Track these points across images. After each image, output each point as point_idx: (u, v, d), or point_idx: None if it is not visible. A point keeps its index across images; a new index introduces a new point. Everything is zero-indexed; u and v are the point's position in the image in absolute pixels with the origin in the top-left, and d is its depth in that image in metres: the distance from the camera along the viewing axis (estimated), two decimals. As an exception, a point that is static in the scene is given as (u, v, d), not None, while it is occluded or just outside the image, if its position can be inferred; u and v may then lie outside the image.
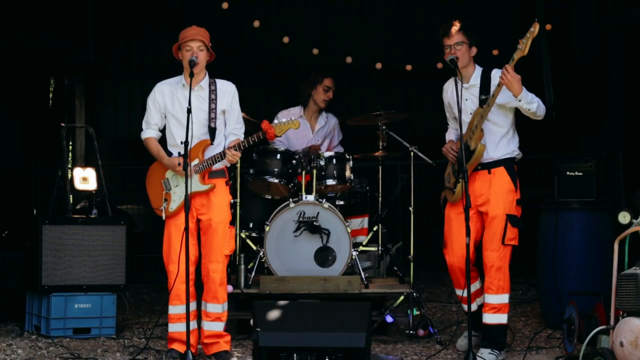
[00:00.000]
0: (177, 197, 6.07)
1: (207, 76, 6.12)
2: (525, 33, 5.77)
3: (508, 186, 6.09)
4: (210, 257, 6.08)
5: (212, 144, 6.07)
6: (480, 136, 6.01)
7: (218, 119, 6.10)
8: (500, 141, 6.09)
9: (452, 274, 6.29)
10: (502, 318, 6.12)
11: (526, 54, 5.81)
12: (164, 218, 6.09)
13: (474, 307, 6.18)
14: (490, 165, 6.08)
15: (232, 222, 6.73)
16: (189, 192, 5.81)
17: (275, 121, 6.18)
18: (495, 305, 6.10)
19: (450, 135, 6.39)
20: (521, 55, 5.82)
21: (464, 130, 6.05)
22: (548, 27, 9.94)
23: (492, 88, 6.00)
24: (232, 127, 6.17)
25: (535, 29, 5.77)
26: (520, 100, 5.92)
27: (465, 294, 6.13)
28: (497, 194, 6.05)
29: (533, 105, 5.95)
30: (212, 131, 6.07)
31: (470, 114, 6.06)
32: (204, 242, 6.10)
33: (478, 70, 6.13)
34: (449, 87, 6.27)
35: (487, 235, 6.06)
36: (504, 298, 6.11)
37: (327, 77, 7.74)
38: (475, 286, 6.23)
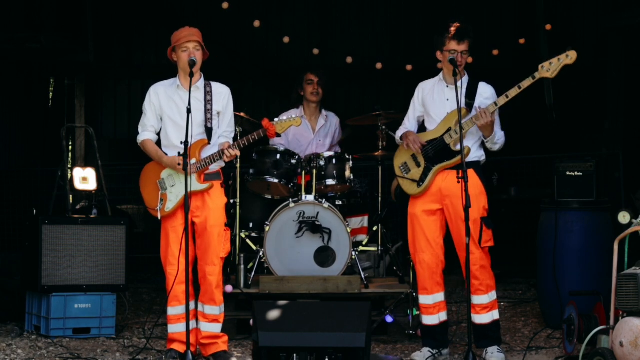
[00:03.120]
0: (173, 197, 6.06)
1: (202, 77, 6.12)
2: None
3: (479, 189, 6.08)
4: (206, 259, 6.08)
5: (209, 143, 6.07)
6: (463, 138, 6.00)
7: (214, 119, 6.10)
8: (473, 145, 6.11)
9: (422, 275, 6.17)
10: (495, 314, 6.14)
11: (552, 78, 5.84)
12: (159, 218, 6.09)
13: (434, 320, 6.19)
14: (459, 167, 6.01)
15: (232, 222, 6.73)
16: (188, 190, 5.81)
17: (276, 119, 6.17)
18: (487, 305, 6.10)
19: (403, 131, 6.34)
20: (546, 77, 5.85)
21: (441, 128, 6.09)
22: (548, 27, 9.95)
23: (477, 98, 6.03)
24: (224, 129, 6.17)
25: (573, 57, 5.79)
26: (487, 142, 6.06)
27: (434, 301, 6.17)
28: (470, 197, 5.97)
29: (496, 146, 6.10)
30: (208, 131, 6.07)
31: (447, 113, 6.08)
32: (199, 245, 6.09)
33: (466, 76, 6.16)
34: (427, 86, 6.27)
35: (464, 239, 6.01)
36: (493, 295, 6.12)
37: (307, 72, 7.77)
38: (441, 297, 6.21)
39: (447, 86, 6.08)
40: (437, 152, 6.08)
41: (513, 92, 5.88)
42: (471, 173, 6.04)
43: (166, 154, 6.09)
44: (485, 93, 6.10)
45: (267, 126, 6.08)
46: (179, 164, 5.93)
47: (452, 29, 6.05)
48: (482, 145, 6.19)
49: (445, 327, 6.25)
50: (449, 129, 6.04)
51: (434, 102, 6.17)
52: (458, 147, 5.94)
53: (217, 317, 6.12)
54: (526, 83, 5.86)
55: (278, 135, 7.51)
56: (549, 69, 5.83)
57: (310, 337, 5.29)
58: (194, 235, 6.11)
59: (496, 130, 6.08)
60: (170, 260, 6.02)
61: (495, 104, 5.91)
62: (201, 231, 6.07)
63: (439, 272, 6.17)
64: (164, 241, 6.11)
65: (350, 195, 7.56)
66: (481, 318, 6.10)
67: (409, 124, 6.37)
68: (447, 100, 6.08)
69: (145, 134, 6.16)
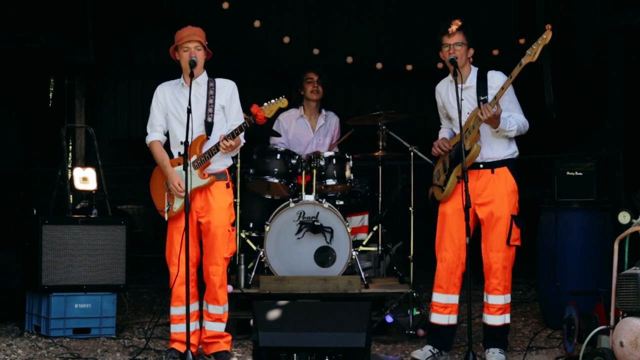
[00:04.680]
0: (179, 198, 6.05)
1: (204, 73, 6.12)
2: (535, 39, 5.79)
3: (512, 187, 6.10)
4: (210, 259, 6.09)
5: (208, 138, 6.07)
6: (477, 138, 6.02)
7: (216, 114, 6.09)
8: (502, 142, 6.10)
9: (440, 273, 6.19)
10: (507, 318, 6.15)
11: (535, 60, 5.83)
12: (166, 219, 6.09)
13: (443, 320, 6.19)
14: (493, 165, 6.07)
15: (233, 223, 6.73)
16: (189, 189, 5.83)
17: (265, 103, 6.13)
18: (502, 306, 6.10)
19: (444, 133, 6.38)
20: (530, 61, 5.84)
21: (465, 131, 6.08)
22: (548, 27, 9.94)
23: (489, 90, 6.02)
24: (232, 122, 6.16)
25: (547, 36, 5.79)
26: (497, 132, 6.03)
27: (447, 301, 6.18)
28: (501, 195, 6.04)
29: (511, 133, 6.07)
30: (208, 126, 6.06)
31: (468, 114, 6.06)
32: (204, 245, 6.11)
33: (474, 71, 6.15)
34: (442, 88, 6.27)
35: (492, 236, 6.05)
36: (508, 298, 6.13)
37: (307, 71, 7.78)
38: (455, 299, 6.21)
39: (458, 85, 6.05)
40: (457, 154, 6.08)
41: (507, 83, 5.90)
42: (504, 171, 6.08)
43: (173, 154, 6.12)
44: (494, 83, 6.05)
45: (255, 112, 6.05)
46: (178, 182, 5.94)
47: (443, 25, 6.08)
48: (514, 140, 6.17)
49: (452, 330, 6.24)
50: (467, 130, 6.04)
51: (451, 104, 6.15)
52: (472, 147, 5.97)
53: (220, 317, 6.14)
54: (516, 71, 5.85)
55: (275, 134, 7.55)
56: (531, 52, 5.85)
57: (310, 337, 5.28)
58: (199, 236, 6.12)
59: (512, 120, 6.02)
60: (173, 261, 6.03)
61: (495, 97, 5.92)
62: (206, 231, 6.08)
63: (457, 274, 6.16)
64: (168, 242, 6.12)
65: (350, 196, 7.56)
66: (493, 319, 6.10)
67: (444, 123, 6.42)
68: (462, 100, 6.04)
69: (154, 134, 6.17)
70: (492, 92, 6.02)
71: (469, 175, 5.99)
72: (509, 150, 6.14)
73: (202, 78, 6.10)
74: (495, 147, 6.08)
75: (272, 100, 6.13)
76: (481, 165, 6.07)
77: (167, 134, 6.20)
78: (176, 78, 6.17)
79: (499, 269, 6.05)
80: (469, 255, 5.87)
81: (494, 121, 5.94)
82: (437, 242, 6.23)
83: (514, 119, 6.06)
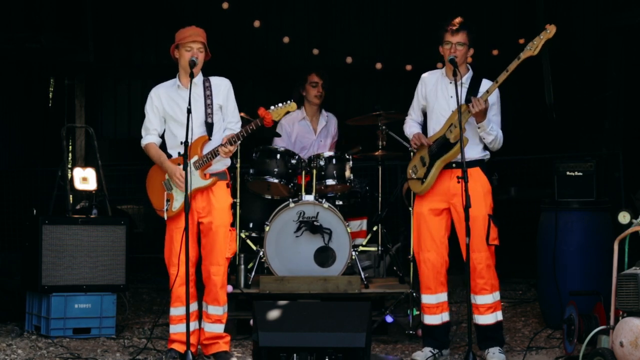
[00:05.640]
0: (179, 197, 6.04)
1: (200, 74, 6.11)
2: (537, 33, 5.79)
3: (486, 187, 6.12)
4: (211, 259, 6.07)
5: (210, 139, 6.07)
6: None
7: (215, 114, 6.09)
8: (478, 143, 6.13)
9: (426, 275, 6.17)
10: (499, 315, 6.14)
11: (535, 55, 5.83)
12: (165, 218, 6.08)
13: (436, 320, 6.19)
14: (466, 165, 6.04)
15: (232, 223, 6.74)
16: (190, 189, 5.82)
17: (272, 107, 6.13)
18: (492, 305, 6.10)
19: (415, 127, 6.36)
20: (530, 55, 5.84)
21: (445, 127, 6.10)
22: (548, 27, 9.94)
23: (479, 95, 6.03)
24: (228, 121, 6.16)
25: (551, 31, 5.80)
26: (479, 128, 6.04)
27: (437, 300, 6.17)
28: (477, 195, 6.00)
29: (489, 137, 6.08)
30: (209, 126, 6.06)
31: (452, 111, 6.07)
32: (204, 245, 6.10)
33: (470, 72, 6.17)
34: (430, 80, 6.27)
35: (472, 237, 5.97)
36: (497, 296, 6.13)
37: (311, 73, 7.74)
38: (444, 297, 6.21)
39: (450, 82, 6.06)
40: (439, 148, 6.10)
41: (502, 77, 5.91)
42: (477, 171, 6.08)
43: (171, 156, 6.09)
44: (486, 90, 6.08)
45: (263, 114, 6.05)
46: (179, 174, 5.92)
47: (447, 22, 6.09)
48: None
49: (447, 327, 6.25)
50: (451, 125, 6.06)
51: (437, 98, 6.17)
52: (458, 140, 5.97)
53: (220, 318, 6.13)
54: (512, 65, 5.86)
55: (275, 134, 7.56)
56: (532, 47, 5.85)
57: (310, 337, 5.29)
58: (198, 236, 6.11)
59: (493, 126, 6.07)
60: (173, 261, 6.02)
61: (487, 91, 5.94)
62: (206, 231, 6.07)
63: (443, 272, 6.18)
64: (168, 242, 6.11)
65: (350, 196, 7.56)
66: (485, 319, 6.10)
67: (414, 114, 6.40)
68: (451, 97, 6.06)
69: (149, 137, 6.16)
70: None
71: (442, 175, 6.07)
72: (482, 153, 6.17)
73: (199, 78, 6.09)
74: (472, 148, 6.08)
75: (280, 105, 6.12)
76: (454, 165, 6.07)
77: (162, 136, 6.19)
78: (174, 78, 6.17)
79: (484, 269, 6.05)
80: (468, 254, 5.86)
81: (481, 115, 5.97)
82: (416, 243, 6.24)
83: (499, 132, 6.11)
